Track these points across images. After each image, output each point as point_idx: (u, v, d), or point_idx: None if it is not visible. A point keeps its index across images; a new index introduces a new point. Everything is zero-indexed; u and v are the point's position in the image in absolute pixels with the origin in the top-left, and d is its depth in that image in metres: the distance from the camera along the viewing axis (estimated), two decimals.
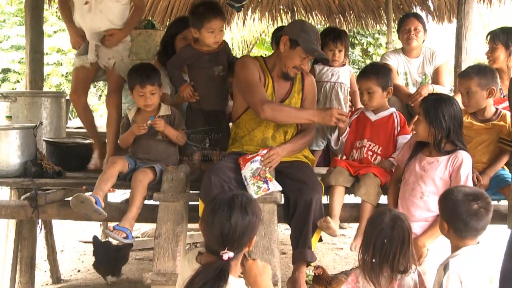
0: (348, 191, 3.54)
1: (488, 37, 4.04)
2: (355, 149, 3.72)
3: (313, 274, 3.45)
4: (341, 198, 3.49)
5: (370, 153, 3.65)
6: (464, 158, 3.11)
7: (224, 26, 3.82)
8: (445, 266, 2.55)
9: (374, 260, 2.57)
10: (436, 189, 3.11)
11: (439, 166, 3.14)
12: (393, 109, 3.75)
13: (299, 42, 3.47)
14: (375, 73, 3.68)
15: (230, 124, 3.98)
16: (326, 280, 3.37)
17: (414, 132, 3.24)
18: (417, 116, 3.22)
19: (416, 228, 3.11)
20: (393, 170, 3.52)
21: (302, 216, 3.29)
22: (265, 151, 3.41)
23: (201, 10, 3.69)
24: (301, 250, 3.29)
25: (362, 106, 3.82)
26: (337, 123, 3.46)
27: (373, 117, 3.71)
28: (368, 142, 3.66)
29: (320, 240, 3.52)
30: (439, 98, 3.21)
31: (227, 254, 2.11)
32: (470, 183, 3.12)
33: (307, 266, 3.37)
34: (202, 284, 2.08)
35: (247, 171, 3.33)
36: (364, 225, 3.38)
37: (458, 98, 3.73)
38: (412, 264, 2.61)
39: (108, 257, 3.84)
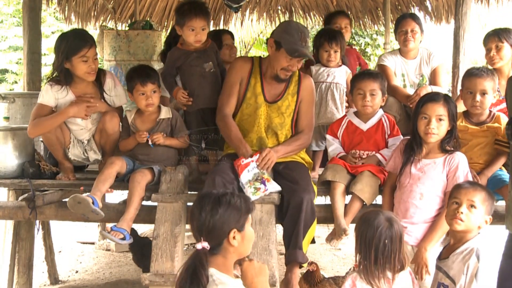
0: (347, 192, 3.54)
1: (489, 37, 3.99)
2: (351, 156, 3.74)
3: (306, 270, 3.46)
4: (343, 198, 3.49)
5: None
6: (461, 159, 3.14)
7: (208, 25, 3.84)
8: (476, 253, 2.62)
9: (376, 262, 2.58)
10: (435, 189, 3.12)
11: (437, 167, 3.15)
12: (381, 112, 3.76)
13: (282, 43, 3.51)
14: (379, 76, 3.72)
15: None
16: (315, 280, 3.38)
17: (433, 133, 3.14)
18: (434, 119, 3.14)
19: (416, 231, 3.12)
20: (386, 177, 3.50)
21: (293, 217, 3.30)
22: (257, 156, 3.42)
23: (185, 8, 3.75)
24: (291, 251, 3.30)
25: (352, 110, 3.83)
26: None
27: (363, 126, 3.71)
28: (365, 152, 3.68)
29: (313, 242, 3.51)
30: (448, 96, 3.26)
31: (200, 244, 2.17)
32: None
33: (299, 267, 3.37)
34: (181, 278, 2.15)
35: (244, 178, 3.33)
36: (348, 220, 3.40)
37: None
38: (407, 262, 2.64)
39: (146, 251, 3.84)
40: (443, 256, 2.81)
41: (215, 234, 2.20)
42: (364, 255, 2.61)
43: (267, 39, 3.74)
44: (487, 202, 2.74)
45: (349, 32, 4.85)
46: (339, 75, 4.29)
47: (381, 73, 3.85)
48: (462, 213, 2.70)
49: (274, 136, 3.68)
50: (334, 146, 3.76)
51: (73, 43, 3.68)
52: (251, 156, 3.43)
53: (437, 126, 3.13)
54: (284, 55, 3.52)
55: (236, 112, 3.72)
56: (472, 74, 3.55)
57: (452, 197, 2.78)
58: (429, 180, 3.15)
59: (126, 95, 3.96)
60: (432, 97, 3.23)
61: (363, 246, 2.62)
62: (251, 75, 3.69)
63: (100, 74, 3.88)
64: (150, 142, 3.68)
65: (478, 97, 3.48)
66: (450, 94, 4.30)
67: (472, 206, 2.71)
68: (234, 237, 2.21)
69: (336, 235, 3.41)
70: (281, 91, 3.69)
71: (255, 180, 3.31)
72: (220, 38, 4.78)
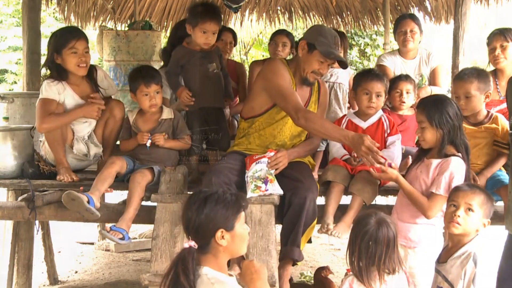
0: (346, 192, 3.54)
1: (494, 36, 3.95)
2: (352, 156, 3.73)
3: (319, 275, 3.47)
4: (338, 197, 3.49)
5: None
6: (452, 165, 3.02)
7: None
8: (473, 258, 2.61)
9: (360, 261, 2.59)
10: (421, 190, 3.10)
11: (430, 169, 3.10)
12: (380, 112, 3.76)
13: (316, 45, 3.45)
14: (384, 77, 3.73)
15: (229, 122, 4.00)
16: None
17: (421, 141, 3.14)
18: (418, 125, 3.16)
19: (403, 230, 3.10)
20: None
21: (295, 214, 3.29)
22: (272, 153, 3.41)
23: (199, 10, 3.75)
24: (289, 248, 3.28)
25: (351, 110, 3.83)
26: (363, 155, 3.14)
27: (363, 124, 3.71)
28: None
29: (309, 241, 3.51)
30: (438, 100, 3.16)
31: (187, 243, 2.20)
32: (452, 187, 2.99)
33: (293, 265, 3.37)
34: (167, 277, 2.18)
35: (250, 171, 3.34)
36: (349, 218, 3.40)
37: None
38: (399, 266, 2.62)
39: None
40: (442, 259, 2.80)
41: (201, 233, 2.22)
42: (350, 252, 2.65)
43: (298, 41, 3.61)
44: (485, 206, 2.71)
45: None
46: (342, 75, 4.31)
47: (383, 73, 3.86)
48: (459, 216, 2.68)
49: (296, 139, 3.67)
50: (337, 147, 3.74)
51: (62, 37, 3.75)
52: (265, 153, 3.43)
53: (420, 133, 3.12)
54: (316, 58, 3.48)
55: (264, 112, 3.60)
56: (456, 77, 3.56)
57: (450, 200, 2.77)
58: (421, 180, 3.13)
59: (115, 86, 4.00)
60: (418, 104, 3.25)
61: (350, 243, 2.65)
62: (291, 79, 3.59)
63: (92, 71, 3.90)
64: (148, 144, 3.68)
65: (462, 101, 3.45)
66: (449, 95, 4.30)
67: (469, 209, 2.69)
68: (223, 237, 2.21)
69: (321, 227, 3.41)
70: (307, 98, 3.65)
71: (258, 178, 3.31)
72: (219, 33, 4.73)
